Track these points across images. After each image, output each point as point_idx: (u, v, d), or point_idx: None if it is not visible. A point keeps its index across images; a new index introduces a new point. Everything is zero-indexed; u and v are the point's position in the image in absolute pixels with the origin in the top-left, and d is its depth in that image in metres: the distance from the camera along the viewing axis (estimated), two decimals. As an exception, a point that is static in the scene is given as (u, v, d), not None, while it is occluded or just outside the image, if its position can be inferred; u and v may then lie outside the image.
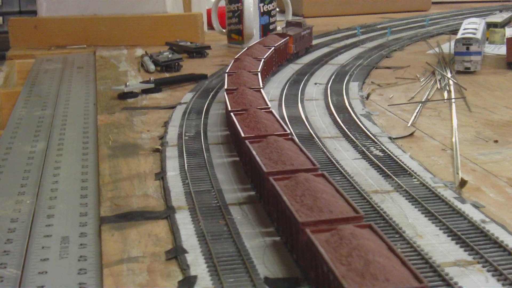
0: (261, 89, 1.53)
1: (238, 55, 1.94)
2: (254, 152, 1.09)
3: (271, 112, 1.33)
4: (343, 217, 0.86)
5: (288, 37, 2.30)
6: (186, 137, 1.48)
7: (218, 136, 1.49)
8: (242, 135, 1.18)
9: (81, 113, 1.80)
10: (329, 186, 0.97)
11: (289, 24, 2.49)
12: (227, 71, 1.70)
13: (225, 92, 1.50)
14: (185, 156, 1.35)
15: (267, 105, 1.39)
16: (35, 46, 2.94)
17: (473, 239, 0.95)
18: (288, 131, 1.21)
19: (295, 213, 0.88)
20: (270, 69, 2.03)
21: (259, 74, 1.67)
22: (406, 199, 1.11)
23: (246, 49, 2.03)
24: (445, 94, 1.86)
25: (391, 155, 1.32)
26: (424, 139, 1.47)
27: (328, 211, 0.88)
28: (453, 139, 1.44)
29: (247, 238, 0.98)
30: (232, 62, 1.82)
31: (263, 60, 1.84)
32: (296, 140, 1.16)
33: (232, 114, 1.32)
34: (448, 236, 0.97)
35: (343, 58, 2.45)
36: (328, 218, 0.86)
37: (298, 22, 2.49)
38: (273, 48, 2.05)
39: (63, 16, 2.99)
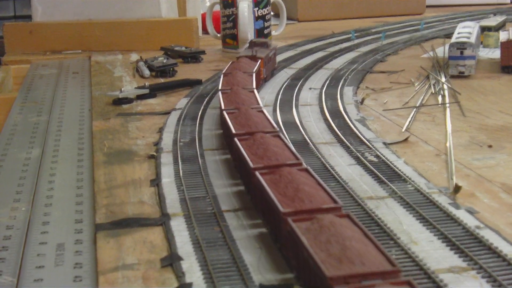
0: (279, 134, 1.27)
1: (220, 85, 1.66)
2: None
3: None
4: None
5: (259, 60, 1.99)
6: (181, 143, 1.48)
7: (213, 142, 1.49)
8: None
9: (76, 119, 1.80)
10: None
11: (253, 44, 2.25)
12: (223, 108, 1.45)
13: (237, 140, 1.24)
14: (180, 163, 1.35)
15: (295, 157, 1.15)
16: (30, 51, 2.94)
17: (467, 245, 0.95)
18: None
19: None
20: None
21: (264, 110, 1.43)
22: (401, 205, 1.11)
23: (225, 76, 1.75)
24: (439, 99, 1.86)
25: (386, 160, 1.32)
26: (418, 144, 1.47)
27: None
28: (447, 144, 1.45)
29: (242, 244, 0.99)
30: (221, 94, 1.57)
31: (255, 90, 1.62)
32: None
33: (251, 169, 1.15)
34: (443, 242, 0.97)
35: (337, 63, 2.46)
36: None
37: (263, 42, 2.27)
38: (254, 73, 1.79)
39: (58, 21, 3.00)
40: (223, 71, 1.80)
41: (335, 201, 0.94)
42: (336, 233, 0.82)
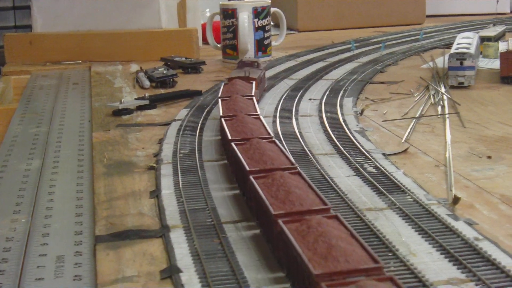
0: (299, 171, 1.16)
1: (221, 110, 1.54)
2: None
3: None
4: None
5: (254, 82, 1.86)
6: (181, 155, 1.48)
7: (213, 153, 1.50)
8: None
9: (76, 130, 1.81)
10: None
11: (243, 64, 2.09)
12: (231, 139, 1.33)
13: (253, 179, 1.13)
14: (179, 174, 1.35)
15: (321, 200, 1.04)
16: (30, 61, 2.95)
17: (466, 257, 0.95)
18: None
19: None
20: None
21: (276, 141, 1.31)
22: (400, 216, 1.11)
23: (223, 100, 1.61)
24: (439, 109, 1.87)
25: (385, 172, 1.32)
26: (417, 155, 1.47)
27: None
28: (447, 155, 1.45)
29: (241, 257, 0.99)
30: (224, 122, 1.43)
31: (261, 117, 1.49)
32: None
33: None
34: (441, 254, 0.97)
35: (337, 73, 2.46)
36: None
37: (253, 61, 2.11)
38: (254, 97, 1.67)
39: (58, 32, 3.00)
40: (219, 95, 1.70)
41: (375, 260, 0.82)
42: None
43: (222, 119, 1.46)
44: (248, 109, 1.55)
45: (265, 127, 1.42)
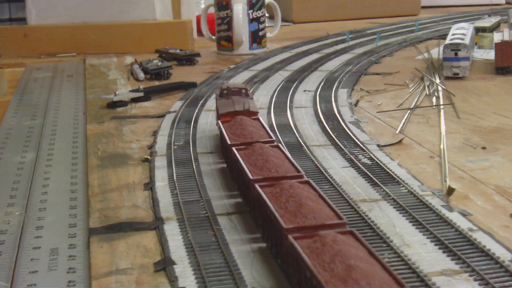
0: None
1: (248, 170, 1.08)
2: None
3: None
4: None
5: (257, 117, 1.40)
6: (175, 147, 1.48)
7: (207, 145, 1.49)
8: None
9: (71, 122, 1.80)
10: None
11: (230, 92, 1.54)
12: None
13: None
14: (174, 166, 1.35)
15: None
16: (25, 54, 2.94)
17: (460, 248, 0.95)
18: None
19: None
20: None
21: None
22: (394, 207, 1.11)
23: (240, 150, 1.19)
24: (434, 100, 1.87)
25: (379, 163, 1.32)
26: (412, 146, 1.47)
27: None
28: (441, 146, 1.45)
29: (235, 248, 0.99)
30: (261, 190, 1.01)
31: (311, 181, 1.13)
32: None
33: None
34: (436, 245, 0.97)
35: (332, 65, 2.45)
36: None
37: (241, 87, 1.57)
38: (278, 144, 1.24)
39: (52, 24, 2.99)
40: (229, 142, 1.25)
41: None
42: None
43: (257, 186, 1.04)
44: (284, 167, 1.14)
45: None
